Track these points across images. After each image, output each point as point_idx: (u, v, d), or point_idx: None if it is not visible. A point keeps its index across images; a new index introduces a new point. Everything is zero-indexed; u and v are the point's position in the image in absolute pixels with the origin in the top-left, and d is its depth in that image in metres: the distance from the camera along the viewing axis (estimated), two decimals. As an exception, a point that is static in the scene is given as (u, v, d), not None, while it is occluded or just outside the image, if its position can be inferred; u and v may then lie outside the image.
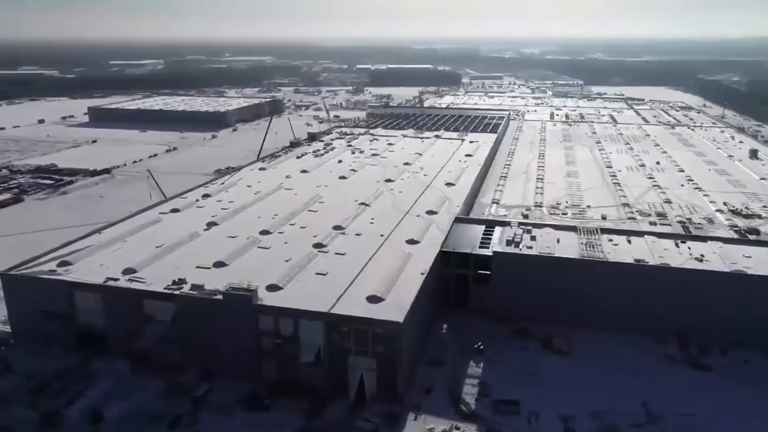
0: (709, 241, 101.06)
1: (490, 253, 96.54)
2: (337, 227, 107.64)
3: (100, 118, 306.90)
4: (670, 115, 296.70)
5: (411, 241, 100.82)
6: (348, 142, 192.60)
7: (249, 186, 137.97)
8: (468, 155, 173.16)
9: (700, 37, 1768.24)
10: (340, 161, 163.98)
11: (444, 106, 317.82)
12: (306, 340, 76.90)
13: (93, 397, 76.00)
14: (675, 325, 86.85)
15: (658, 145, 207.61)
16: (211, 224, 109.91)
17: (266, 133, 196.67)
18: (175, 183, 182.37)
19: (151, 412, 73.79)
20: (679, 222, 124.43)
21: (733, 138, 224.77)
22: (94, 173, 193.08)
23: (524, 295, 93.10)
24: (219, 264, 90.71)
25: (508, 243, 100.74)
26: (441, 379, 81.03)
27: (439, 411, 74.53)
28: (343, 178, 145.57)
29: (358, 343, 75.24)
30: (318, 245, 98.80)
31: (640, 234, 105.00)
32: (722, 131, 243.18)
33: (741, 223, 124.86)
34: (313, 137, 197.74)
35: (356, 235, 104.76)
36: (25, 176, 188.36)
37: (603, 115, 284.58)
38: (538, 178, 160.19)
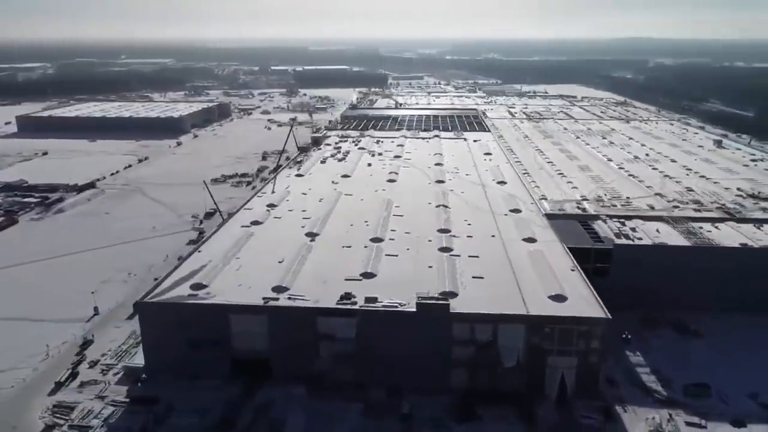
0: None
1: (611, 246, 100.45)
2: (442, 230, 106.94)
3: (31, 127, 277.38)
4: (614, 110, 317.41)
5: (529, 240, 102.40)
6: (355, 144, 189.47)
7: (304, 194, 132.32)
8: (487, 153, 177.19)
9: (576, 37, 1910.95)
10: (369, 164, 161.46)
11: (397, 106, 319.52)
12: (505, 344, 76.26)
13: (296, 427, 70.62)
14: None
15: (631, 138, 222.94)
16: (311, 234, 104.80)
17: (286, 141, 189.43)
18: (181, 194, 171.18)
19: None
20: (718, 208, 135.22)
21: (687, 129, 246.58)
22: (80, 188, 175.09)
23: (644, 285, 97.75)
24: (368, 275, 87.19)
25: (617, 236, 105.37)
26: (614, 370, 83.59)
27: (637, 401, 77.08)
28: (392, 181, 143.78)
29: (560, 343, 75.79)
30: (444, 249, 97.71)
31: (720, 220, 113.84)
32: (672, 123, 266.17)
33: (762, 205, 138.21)
34: (317, 141, 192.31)
35: (467, 237, 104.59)
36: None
37: (557, 113, 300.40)
38: (558, 173, 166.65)
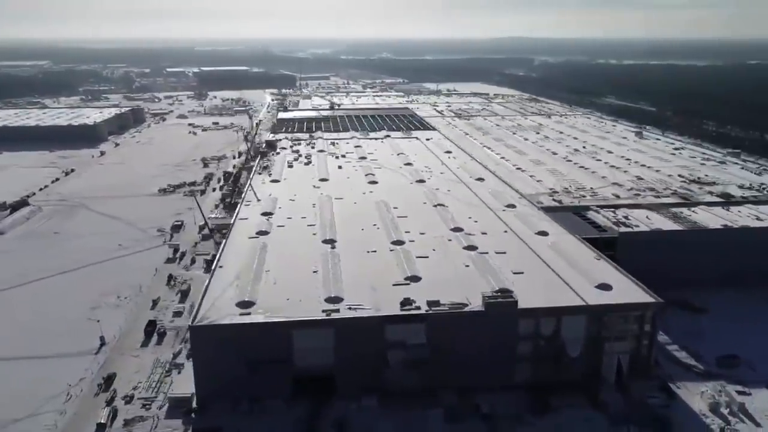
0: (743, 206, 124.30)
1: (616, 235, 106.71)
2: (455, 229, 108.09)
3: None
4: (531, 106, 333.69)
5: (542, 233, 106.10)
6: (312, 147, 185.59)
7: (292, 200, 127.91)
8: (447, 152, 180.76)
9: (459, 37, 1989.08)
10: (339, 167, 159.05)
11: (332, 107, 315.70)
12: (569, 335, 78.78)
13: (389, 440, 68.63)
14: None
15: (561, 132, 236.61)
16: (329, 241, 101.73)
17: (249, 148, 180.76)
18: (130, 207, 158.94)
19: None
20: (673, 194, 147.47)
21: (604, 123, 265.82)
22: (11, 207, 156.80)
23: (646, 268, 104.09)
24: (413, 278, 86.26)
25: (616, 224, 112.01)
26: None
27: (681, 376, 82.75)
28: (373, 182, 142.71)
29: (616, 329, 79.51)
30: (470, 247, 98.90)
31: (694, 204, 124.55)
32: (588, 117, 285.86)
33: (707, 189, 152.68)
34: (272, 145, 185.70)
35: (482, 233, 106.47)
36: None
37: (480, 110, 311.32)
38: (517, 168, 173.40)
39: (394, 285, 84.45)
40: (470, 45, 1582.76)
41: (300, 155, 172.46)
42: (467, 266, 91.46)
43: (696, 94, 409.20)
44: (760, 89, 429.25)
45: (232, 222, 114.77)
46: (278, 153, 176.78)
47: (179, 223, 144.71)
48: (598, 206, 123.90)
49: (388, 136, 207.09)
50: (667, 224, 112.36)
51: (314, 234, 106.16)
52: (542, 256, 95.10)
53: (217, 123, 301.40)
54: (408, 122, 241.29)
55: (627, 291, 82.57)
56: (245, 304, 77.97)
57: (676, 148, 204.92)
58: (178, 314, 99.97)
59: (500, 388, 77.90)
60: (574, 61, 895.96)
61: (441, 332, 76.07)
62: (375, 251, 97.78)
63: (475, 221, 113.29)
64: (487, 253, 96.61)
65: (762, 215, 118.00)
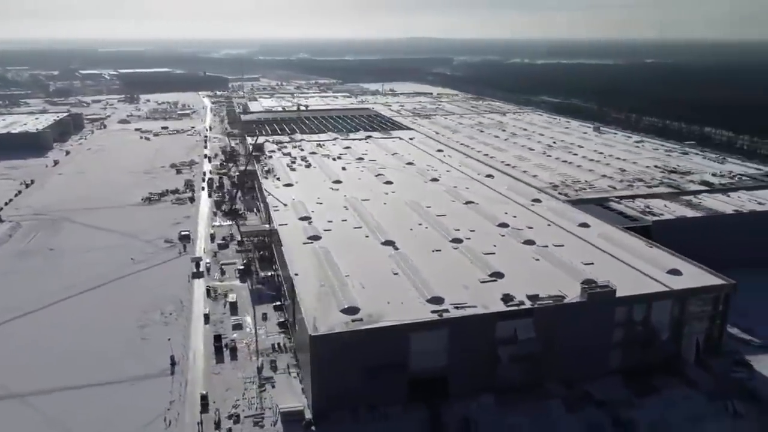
0: (738, 191, 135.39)
1: (650, 223, 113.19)
2: (501, 225, 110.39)
3: None
4: (481, 104, 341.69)
5: (583, 225, 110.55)
6: (302, 150, 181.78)
7: (320, 203, 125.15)
8: (439, 150, 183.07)
9: (369, 37, 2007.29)
10: (344, 168, 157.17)
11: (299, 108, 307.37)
12: (658, 319, 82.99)
13: (525, 434, 69.49)
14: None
15: (524, 129, 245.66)
16: (389, 243, 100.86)
17: (251, 152, 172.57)
18: (117, 218, 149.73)
19: None
20: (661, 183, 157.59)
21: (558, 119, 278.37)
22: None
23: (679, 252, 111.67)
24: (497, 274, 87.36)
25: (643, 213, 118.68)
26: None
27: (746, 351, 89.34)
28: (389, 183, 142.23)
29: (696, 311, 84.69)
30: (528, 242, 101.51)
31: (698, 192, 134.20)
32: (540, 114, 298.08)
33: (687, 178, 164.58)
34: (260, 149, 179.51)
35: (528, 228, 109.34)
36: None
37: (435, 109, 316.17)
38: (506, 165, 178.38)
39: (482, 282, 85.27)
40: (386, 45, 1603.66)
41: (295, 158, 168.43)
42: (537, 260, 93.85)
43: (616, 90, 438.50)
44: (671, 85, 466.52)
45: (269, 228, 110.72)
46: (270, 156, 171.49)
47: (186, 233, 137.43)
48: (616, 197, 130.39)
49: (370, 136, 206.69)
50: (688, 212, 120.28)
51: (367, 236, 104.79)
52: (601, 247, 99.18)
53: (166, 127, 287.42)
54: (379, 122, 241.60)
55: (696, 275, 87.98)
56: (351, 311, 76.01)
57: (636, 142, 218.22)
58: (238, 327, 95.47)
59: (598, 375, 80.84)
60: (490, 61, 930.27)
61: (547, 325, 77.75)
62: (439, 250, 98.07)
63: (514, 216, 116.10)
64: (547, 246, 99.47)
65: (761, 199, 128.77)
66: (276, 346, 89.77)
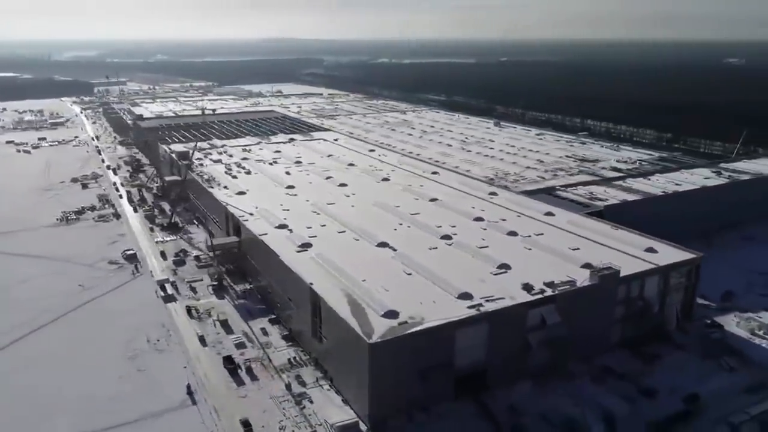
0: (650, 177, 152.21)
1: (602, 208, 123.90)
2: (477, 219, 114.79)
3: None
4: (376, 104, 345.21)
5: (549, 214, 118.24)
6: (230, 156, 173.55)
7: (287, 209, 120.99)
8: (371, 150, 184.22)
9: (218, 38, 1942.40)
10: (288, 173, 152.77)
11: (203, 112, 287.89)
12: (649, 294, 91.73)
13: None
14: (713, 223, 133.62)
15: (432, 126, 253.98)
16: (383, 245, 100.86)
17: (190, 160, 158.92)
18: (31, 241, 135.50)
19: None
20: (581, 171, 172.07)
21: (457, 116, 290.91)
22: None
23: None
24: (504, 266, 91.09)
25: (591, 200, 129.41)
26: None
27: (706, 314, 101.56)
28: (343, 185, 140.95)
29: (674, 283, 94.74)
30: (511, 233, 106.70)
31: (627, 177, 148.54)
32: (438, 112, 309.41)
33: (600, 165, 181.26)
34: (185, 156, 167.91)
35: (502, 220, 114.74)
36: None
37: (334, 110, 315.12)
38: (435, 161, 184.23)
39: (495, 275, 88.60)
40: (247, 47, 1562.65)
41: (228, 165, 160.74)
42: (529, 249, 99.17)
43: (490, 86, 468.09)
44: (539, 81, 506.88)
45: (239, 240, 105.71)
46: (202, 164, 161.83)
47: (132, 251, 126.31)
48: (561, 186, 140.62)
49: (293, 139, 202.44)
50: (627, 195, 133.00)
51: (357, 240, 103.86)
52: (575, 232, 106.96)
53: (44, 138, 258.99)
54: (292, 124, 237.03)
55: (668, 251, 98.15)
56: (392, 314, 75.51)
57: (537, 135, 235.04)
58: (241, 346, 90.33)
59: (605, 350, 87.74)
60: (359, 60, 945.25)
61: (568, 309, 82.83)
62: (436, 248, 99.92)
63: (482, 210, 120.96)
64: (530, 236, 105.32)
65: (676, 181, 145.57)
66: (293, 360, 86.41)
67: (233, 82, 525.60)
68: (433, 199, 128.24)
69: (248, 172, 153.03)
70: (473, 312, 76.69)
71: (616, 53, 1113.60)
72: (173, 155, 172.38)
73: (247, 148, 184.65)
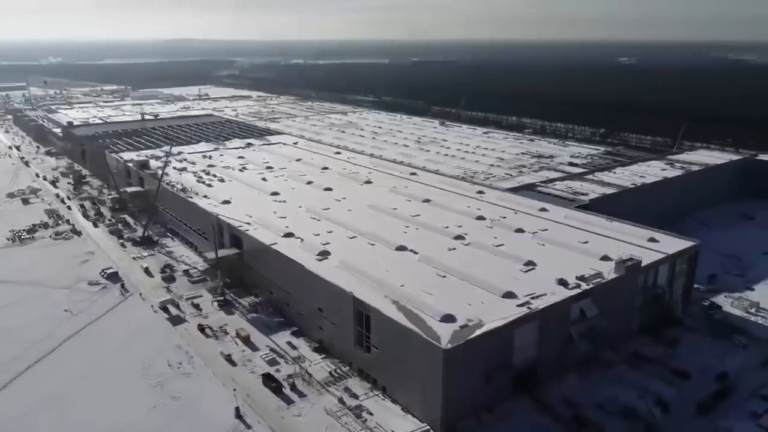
0: (615, 170, 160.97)
1: (587, 201, 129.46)
2: (479, 218, 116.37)
3: None
4: (322, 106, 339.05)
5: (543, 210, 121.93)
6: (192, 164, 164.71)
7: (283, 217, 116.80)
8: (337, 152, 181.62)
9: (110, 39, 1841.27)
10: (264, 179, 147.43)
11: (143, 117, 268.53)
12: (660, 282, 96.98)
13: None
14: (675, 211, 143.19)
15: (380, 127, 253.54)
16: (402, 248, 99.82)
17: (163, 171, 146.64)
18: None
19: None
20: (542, 167, 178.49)
21: (399, 117, 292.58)
22: None
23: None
24: (530, 263, 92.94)
25: (574, 194, 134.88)
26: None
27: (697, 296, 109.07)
28: (328, 189, 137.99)
29: (679, 270, 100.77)
30: (518, 230, 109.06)
31: (597, 171, 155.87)
32: (378, 113, 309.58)
33: (557, 161, 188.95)
34: (145, 166, 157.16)
35: (502, 218, 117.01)
36: None
37: (272, 112, 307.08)
38: (399, 162, 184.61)
39: (524, 272, 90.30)
40: (146, 47, 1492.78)
41: (196, 173, 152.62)
42: (543, 245, 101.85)
43: (414, 86, 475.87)
44: (460, 80, 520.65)
45: (238, 252, 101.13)
46: (166, 173, 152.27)
47: (112, 270, 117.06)
48: (539, 182, 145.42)
49: (250, 143, 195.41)
50: (606, 189, 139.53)
51: (372, 245, 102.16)
52: (576, 226, 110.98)
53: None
54: (242, 129, 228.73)
55: (668, 240, 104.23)
56: (449, 318, 75.00)
57: (484, 133, 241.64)
58: (273, 363, 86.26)
59: (628, 337, 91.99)
60: (273, 62, 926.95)
61: (603, 300, 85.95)
62: (455, 249, 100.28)
63: (478, 209, 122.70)
64: (536, 232, 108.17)
65: (639, 173, 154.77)
66: (333, 372, 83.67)
67: (145, 85, 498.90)
68: (427, 200, 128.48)
69: (221, 180, 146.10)
70: (525, 310, 77.71)
71: (516, 53, 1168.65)
72: (129, 164, 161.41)
73: (207, 154, 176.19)
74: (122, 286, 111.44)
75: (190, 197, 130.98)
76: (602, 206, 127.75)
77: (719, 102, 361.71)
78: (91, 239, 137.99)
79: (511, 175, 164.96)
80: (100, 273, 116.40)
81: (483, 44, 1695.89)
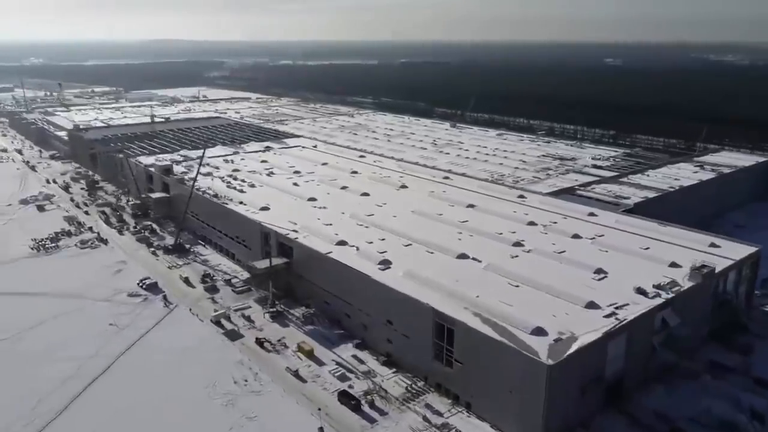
0: (648, 172, 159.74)
1: (632, 205, 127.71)
2: (530, 223, 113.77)
3: None
4: (325, 108, 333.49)
5: (591, 215, 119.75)
6: (215, 168, 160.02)
7: (329, 224, 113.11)
8: (361, 156, 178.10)
9: (91, 39, 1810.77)
10: (296, 184, 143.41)
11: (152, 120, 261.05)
12: (730, 288, 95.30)
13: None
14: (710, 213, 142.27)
15: (392, 129, 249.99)
16: (463, 256, 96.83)
17: (197, 173, 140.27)
18: (26, 278, 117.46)
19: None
20: (568, 170, 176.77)
21: (406, 119, 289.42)
22: None
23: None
24: (599, 271, 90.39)
25: (616, 198, 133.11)
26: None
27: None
28: (366, 195, 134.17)
29: (744, 275, 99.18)
30: (575, 236, 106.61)
31: (629, 174, 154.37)
32: (385, 114, 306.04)
33: (580, 163, 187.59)
34: (169, 171, 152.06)
35: (552, 222, 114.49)
36: None
37: (276, 113, 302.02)
38: (423, 165, 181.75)
39: (597, 280, 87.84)
40: (125, 48, 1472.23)
41: (224, 177, 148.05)
42: (606, 251, 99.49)
43: (412, 87, 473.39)
44: (444, 82, 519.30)
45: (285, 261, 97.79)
46: (194, 179, 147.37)
47: (151, 280, 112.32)
48: (577, 186, 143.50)
49: (269, 147, 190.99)
50: (645, 192, 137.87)
51: (431, 253, 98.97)
52: (631, 231, 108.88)
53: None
54: (257, 131, 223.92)
55: (730, 245, 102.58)
56: (540, 331, 72.15)
57: (498, 135, 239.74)
58: (343, 378, 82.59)
59: (700, 344, 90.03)
60: (262, 63, 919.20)
61: (681, 309, 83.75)
62: (517, 256, 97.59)
63: (525, 213, 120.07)
64: (594, 238, 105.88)
65: (675, 176, 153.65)
66: (410, 388, 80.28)
67: (136, 86, 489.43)
68: (471, 205, 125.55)
69: (252, 185, 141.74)
70: (613, 321, 75.18)
71: (498, 54, 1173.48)
72: (150, 169, 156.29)
73: (228, 159, 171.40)
74: (164, 297, 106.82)
75: (226, 204, 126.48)
76: (646, 210, 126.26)
77: (720, 103, 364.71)
78: (119, 247, 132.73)
79: (539, 177, 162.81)
80: (138, 284, 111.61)
81: (464, 45, 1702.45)
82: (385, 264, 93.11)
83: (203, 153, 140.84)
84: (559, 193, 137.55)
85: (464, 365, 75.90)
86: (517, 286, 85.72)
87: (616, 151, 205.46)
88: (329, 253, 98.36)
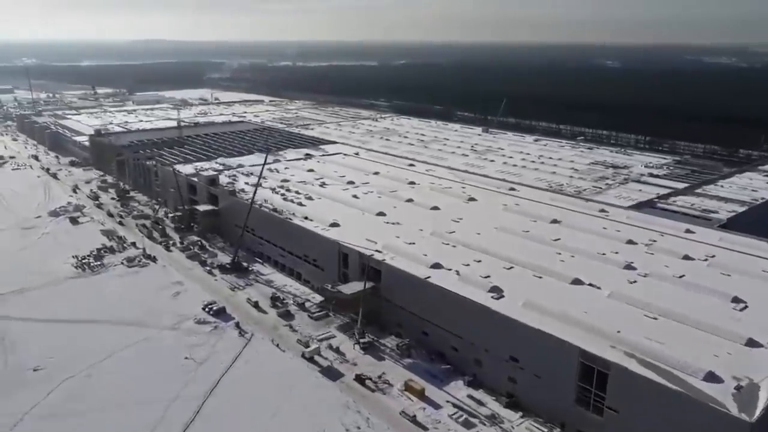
0: (720, 182, 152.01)
1: (725, 221, 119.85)
2: (629, 242, 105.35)
3: None
4: (344, 112, 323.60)
5: (688, 231, 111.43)
6: (261, 178, 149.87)
7: (411, 243, 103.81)
8: (411, 164, 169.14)
9: (74, 39, 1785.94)
10: (356, 196, 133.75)
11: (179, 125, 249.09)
12: None
13: None
14: None
15: (424, 134, 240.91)
16: (577, 281, 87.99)
17: (259, 178, 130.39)
18: (72, 301, 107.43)
19: None
20: (625, 178, 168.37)
21: (431, 122, 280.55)
22: None
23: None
24: (736, 299, 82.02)
25: (703, 211, 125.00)
26: None
27: None
28: (436, 209, 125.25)
29: None
30: (686, 257, 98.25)
31: (704, 184, 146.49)
32: (409, 119, 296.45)
33: (635, 171, 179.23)
34: (214, 182, 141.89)
35: (652, 241, 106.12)
36: None
37: (295, 117, 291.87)
38: (474, 174, 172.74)
39: (738, 310, 79.43)
40: (112, 47, 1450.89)
41: (275, 189, 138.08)
42: (728, 275, 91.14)
43: (420, 88, 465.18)
44: (452, 83, 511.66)
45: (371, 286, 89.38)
46: (243, 190, 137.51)
47: (218, 305, 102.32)
48: (656, 198, 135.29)
49: (309, 155, 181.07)
50: (729, 205, 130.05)
51: (540, 277, 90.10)
52: (741, 251, 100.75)
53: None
54: (289, 137, 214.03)
55: None
56: (712, 377, 63.45)
57: (536, 140, 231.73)
58: (468, 424, 73.36)
59: None
60: (259, 63, 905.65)
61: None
62: (635, 281, 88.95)
63: (618, 230, 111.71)
64: (706, 259, 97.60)
65: (752, 187, 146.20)
66: (548, 437, 71.35)
67: (139, 88, 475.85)
68: (555, 221, 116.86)
69: (309, 197, 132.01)
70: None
71: (490, 55, 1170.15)
72: (194, 180, 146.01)
73: (271, 167, 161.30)
74: (237, 325, 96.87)
75: (289, 219, 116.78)
76: (739, 225, 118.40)
77: (729, 104, 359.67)
78: (170, 266, 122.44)
79: (599, 187, 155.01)
80: (205, 309, 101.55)
81: (452, 46, 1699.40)
82: (497, 292, 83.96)
83: (264, 161, 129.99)
84: (639, 207, 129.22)
85: (620, 414, 66.87)
86: (655, 319, 76.99)
87: (664, 158, 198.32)
88: (428, 278, 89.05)
